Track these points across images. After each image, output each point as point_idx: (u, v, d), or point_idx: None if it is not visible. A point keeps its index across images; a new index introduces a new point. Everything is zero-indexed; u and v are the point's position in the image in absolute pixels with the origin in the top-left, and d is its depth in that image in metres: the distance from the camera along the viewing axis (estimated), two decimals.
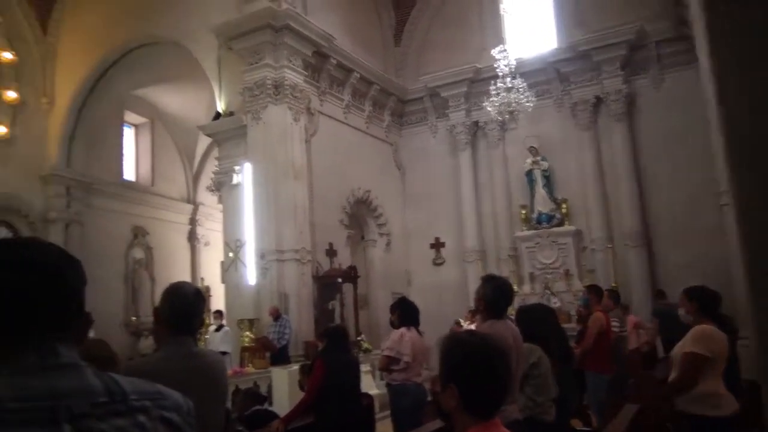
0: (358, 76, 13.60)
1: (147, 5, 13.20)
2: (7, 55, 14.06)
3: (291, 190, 11.24)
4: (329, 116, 13.03)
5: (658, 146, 12.82)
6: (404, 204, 15.26)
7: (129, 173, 17.31)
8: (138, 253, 16.40)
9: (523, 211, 13.79)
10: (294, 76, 11.61)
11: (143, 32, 13.53)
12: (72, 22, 14.61)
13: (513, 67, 11.77)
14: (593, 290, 7.17)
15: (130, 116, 17.34)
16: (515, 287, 10.80)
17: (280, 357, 9.77)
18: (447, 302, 13.35)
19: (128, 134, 17.61)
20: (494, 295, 3.69)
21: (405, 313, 5.21)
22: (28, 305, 1.06)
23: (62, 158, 14.67)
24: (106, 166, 16.01)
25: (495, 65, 11.83)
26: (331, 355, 4.86)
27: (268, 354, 9.63)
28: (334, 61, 12.85)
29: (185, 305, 2.48)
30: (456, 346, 1.82)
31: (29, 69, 14.48)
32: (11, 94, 14.00)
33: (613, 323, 7.30)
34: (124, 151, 17.16)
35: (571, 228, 13.33)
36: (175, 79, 15.37)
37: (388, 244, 14.60)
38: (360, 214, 14.14)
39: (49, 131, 14.72)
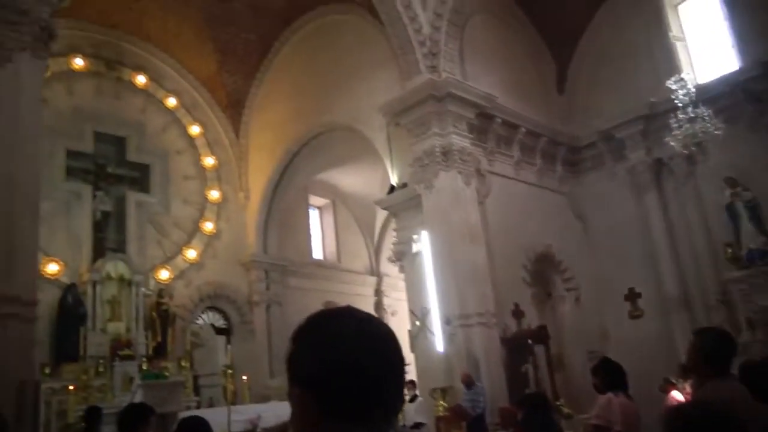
0: (525, 130, 13.44)
1: (321, 98, 14.48)
2: (210, 161, 16.14)
3: (470, 253, 11.20)
4: (500, 175, 12.94)
5: None
6: (589, 255, 14.43)
7: (317, 252, 18.53)
8: None
9: (729, 250, 12.32)
10: (461, 141, 11.78)
11: (319, 122, 14.81)
12: (258, 123, 16.43)
13: (693, 95, 10.88)
14: None
15: (314, 199, 18.76)
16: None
17: (476, 426, 9.50)
18: (649, 358, 12.08)
19: (313, 216, 18.98)
20: (713, 349, 3.22)
21: (609, 375, 4.78)
22: (385, 388, 1.07)
23: (260, 245, 16.18)
24: (296, 248, 17.36)
25: (672, 96, 11.03)
26: (533, 424, 4.60)
27: (464, 423, 9.41)
28: (499, 120, 12.85)
29: None
30: (683, 422, 1.59)
31: (227, 169, 16.43)
32: (215, 194, 15.97)
33: None
34: (311, 232, 18.48)
35: None
36: (350, 160, 16.44)
37: (577, 299, 13.84)
38: (543, 271, 13.62)
39: (247, 222, 16.38)
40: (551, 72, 15.57)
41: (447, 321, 10.98)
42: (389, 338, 1.12)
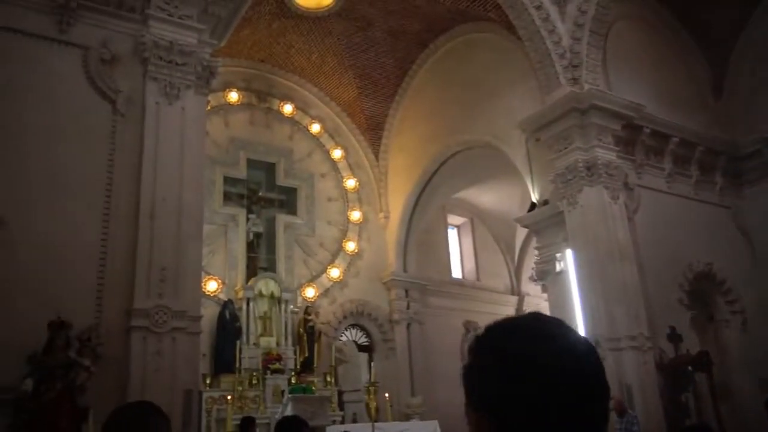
0: (677, 140, 12.55)
1: (458, 117, 14.54)
2: (351, 183, 16.75)
3: (618, 272, 10.58)
4: (651, 188, 12.17)
5: None
6: (758, 275, 13.05)
7: (456, 271, 18.47)
8: None
9: None
10: (606, 154, 11.23)
11: (457, 141, 14.86)
12: (396, 145, 16.80)
13: None
14: None
15: (452, 218, 18.77)
16: None
17: None
18: None
19: (452, 235, 18.97)
20: None
21: None
22: (587, 423, 0.90)
23: (399, 264, 16.44)
24: (435, 267, 17.43)
25: None
26: None
27: None
28: (648, 131, 12.11)
29: None
30: None
31: (367, 191, 16.94)
32: (356, 215, 16.51)
33: None
34: (450, 251, 18.47)
35: None
36: (488, 178, 16.29)
37: (743, 323, 12.56)
38: (703, 291, 12.53)
39: (387, 242, 16.73)
40: (706, 76, 14.44)
41: (595, 343, 10.42)
42: (591, 359, 0.94)
